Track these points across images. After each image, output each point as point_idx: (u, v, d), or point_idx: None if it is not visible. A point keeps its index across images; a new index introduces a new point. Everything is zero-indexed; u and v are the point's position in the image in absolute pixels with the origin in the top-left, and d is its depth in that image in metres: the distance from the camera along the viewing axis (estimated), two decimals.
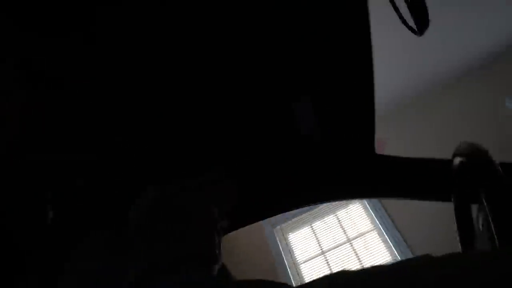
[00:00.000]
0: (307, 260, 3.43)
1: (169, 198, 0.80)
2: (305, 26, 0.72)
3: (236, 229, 1.29)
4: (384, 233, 3.21)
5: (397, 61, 3.02)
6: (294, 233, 3.66)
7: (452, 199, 0.82)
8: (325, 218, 3.59)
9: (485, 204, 0.55)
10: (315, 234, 3.56)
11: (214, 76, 0.78)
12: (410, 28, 0.68)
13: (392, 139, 2.40)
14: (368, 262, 3.17)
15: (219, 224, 0.81)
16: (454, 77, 3.64)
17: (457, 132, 3.28)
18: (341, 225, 3.50)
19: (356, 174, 1.14)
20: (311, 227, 3.62)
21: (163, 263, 0.67)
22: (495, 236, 0.49)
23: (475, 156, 0.59)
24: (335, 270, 3.24)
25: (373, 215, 3.34)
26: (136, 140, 0.87)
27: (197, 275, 0.61)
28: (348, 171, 1.15)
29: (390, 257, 3.12)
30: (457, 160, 0.69)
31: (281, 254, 3.47)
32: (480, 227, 0.65)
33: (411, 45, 2.78)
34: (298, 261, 3.46)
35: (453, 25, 2.97)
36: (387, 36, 2.32)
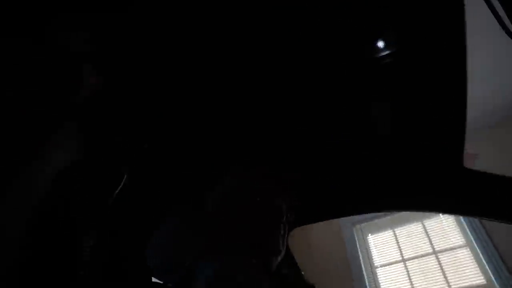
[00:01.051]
0: (385, 265, 3.28)
1: (244, 188, 0.87)
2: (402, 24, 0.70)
3: (309, 223, 1.32)
4: (479, 251, 2.88)
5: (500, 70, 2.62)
6: (374, 235, 3.53)
7: None
8: (411, 225, 3.37)
9: None
10: (397, 240, 3.38)
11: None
12: (507, 32, 0.62)
13: (483, 154, 2.11)
14: (454, 279, 2.90)
15: (286, 217, 0.85)
16: None
17: None
18: (427, 234, 3.24)
19: (439, 186, 1.07)
20: (393, 231, 3.44)
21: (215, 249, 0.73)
22: None
23: None
24: (415, 280, 3.04)
25: (467, 229, 3.02)
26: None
27: (233, 265, 0.64)
28: (431, 181, 1.08)
29: (484, 279, 2.80)
30: None
31: (358, 254, 3.39)
32: None
33: None
34: (375, 264, 3.33)
35: None
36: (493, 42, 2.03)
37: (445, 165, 1.06)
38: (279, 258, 0.81)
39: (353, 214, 1.28)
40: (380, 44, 0.73)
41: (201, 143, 0.96)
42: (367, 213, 1.31)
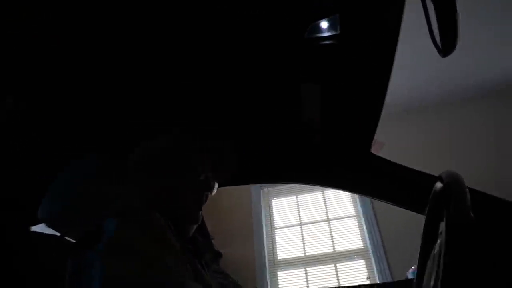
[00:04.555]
0: (284, 227, 3.57)
1: (173, 152, 0.83)
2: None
3: (223, 186, 1.34)
4: (363, 221, 3.31)
5: (418, 64, 2.92)
6: (279, 199, 3.77)
7: (425, 218, 0.85)
8: (312, 194, 3.67)
9: (443, 233, 0.58)
10: (298, 205, 3.67)
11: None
12: (436, 46, 0.67)
13: (391, 142, 2.41)
14: (339, 243, 3.30)
15: (209, 186, 0.85)
16: (468, 96, 3.57)
17: (455, 150, 3.29)
18: (325, 203, 3.59)
19: (343, 167, 1.17)
20: (297, 197, 3.71)
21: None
22: (440, 266, 0.52)
23: (451, 186, 0.61)
24: (307, 242, 3.39)
25: (358, 202, 3.42)
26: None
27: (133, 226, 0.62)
28: (337, 162, 1.17)
29: (362, 245, 3.24)
30: (438, 185, 0.71)
31: (261, 215, 3.61)
32: (435, 251, 0.68)
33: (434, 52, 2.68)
34: (275, 226, 3.60)
35: (480, 44, 2.84)
36: (415, 36, 2.21)
37: (352, 149, 1.15)
38: (195, 227, 0.81)
39: (267, 182, 1.34)
40: (321, 25, 0.72)
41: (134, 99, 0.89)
42: (278, 183, 1.38)
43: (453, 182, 0.61)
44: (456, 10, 0.57)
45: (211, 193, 0.87)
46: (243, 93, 0.93)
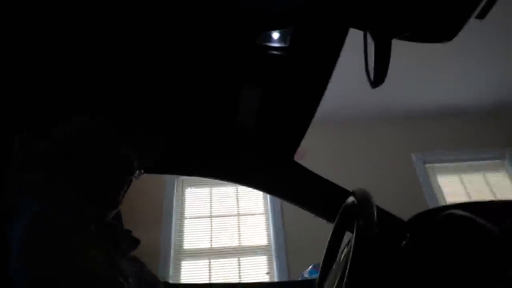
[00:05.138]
0: (194, 218, 3.57)
1: (89, 131, 0.78)
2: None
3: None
4: (270, 219, 3.49)
5: (352, 77, 3.20)
6: (192, 189, 3.75)
7: (333, 226, 0.95)
8: (226, 188, 3.73)
9: (351, 244, 0.66)
10: (211, 198, 3.70)
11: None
12: (368, 77, 0.75)
13: (314, 149, 2.61)
14: (245, 239, 3.43)
15: (132, 173, 0.82)
16: (385, 115, 4.05)
17: (370, 167, 3.71)
18: (237, 198, 3.69)
19: (264, 168, 1.23)
20: (210, 189, 3.74)
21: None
22: (346, 273, 0.60)
23: (362, 204, 0.70)
24: (214, 235, 3.44)
25: (268, 200, 3.59)
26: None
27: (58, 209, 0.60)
28: (260, 162, 1.23)
29: (266, 241, 3.42)
30: (350, 200, 0.80)
31: (173, 203, 3.55)
32: (341, 258, 0.77)
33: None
34: (186, 215, 3.57)
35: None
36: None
37: (277, 153, 1.22)
38: (114, 212, 0.78)
39: (187, 175, 1.33)
40: (273, 35, 0.76)
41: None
42: (197, 176, 1.38)
43: (364, 200, 0.70)
44: (390, 53, 0.65)
45: (134, 177, 0.85)
46: (183, 83, 0.92)
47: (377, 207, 1.07)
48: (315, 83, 0.89)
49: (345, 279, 0.60)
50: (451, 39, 0.71)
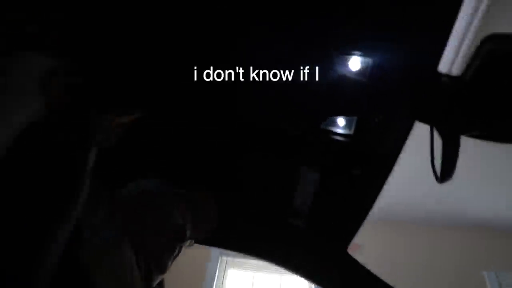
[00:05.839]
0: None
1: (156, 199, 0.84)
2: None
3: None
4: None
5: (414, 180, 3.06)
6: (235, 271, 3.61)
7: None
8: (271, 274, 3.54)
9: None
10: (253, 283, 3.51)
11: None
12: (434, 172, 0.73)
13: (368, 247, 2.45)
14: None
15: (185, 241, 0.84)
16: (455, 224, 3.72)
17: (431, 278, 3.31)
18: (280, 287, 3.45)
19: (315, 258, 1.17)
20: (253, 274, 3.56)
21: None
22: None
23: None
24: None
25: None
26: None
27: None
28: (313, 250, 1.17)
29: None
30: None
31: (214, 283, 3.41)
32: None
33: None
34: None
35: None
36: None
37: (330, 243, 1.16)
38: (160, 277, 0.79)
39: (234, 250, 1.31)
40: (338, 121, 0.79)
41: None
42: (244, 253, 1.34)
43: None
44: (458, 149, 0.64)
45: (184, 245, 0.86)
46: (244, 160, 0.97)
47: None
48: (376, 176, 0.88)
49: None
50: None
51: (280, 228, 1.16)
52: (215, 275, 3.47)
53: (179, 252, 0.84)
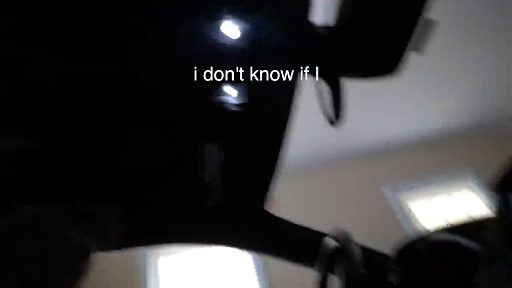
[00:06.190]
0: None
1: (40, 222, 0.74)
2: None
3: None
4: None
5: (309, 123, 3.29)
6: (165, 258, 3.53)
7: (318, 272, 0.90)
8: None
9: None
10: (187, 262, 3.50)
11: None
12: (326, 118, 0.77)
13: (285, 197, 2.61)
14: None
15: (90, 258, 0.77)
16: (350, 155, 4.17)
17: (344, 208, 3.73)
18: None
19: (236, 225, 1.18)
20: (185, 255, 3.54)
21: None
22: None
23: (345, 246, 0.67)
24: None
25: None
26: None
27: None
28: (231, 220, 1.18)
29: None
30: (332, 244, 0.78)
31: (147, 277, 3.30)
32: None
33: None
34: None
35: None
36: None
37: (247, 207, 1.18)
38: None
39: (155, 244, 1.25)
40: (229, 91, 0.76)
41: None
42: (167, 244, 1.30)
43: (346, 241, 0.67)
44: (342, 92, 0.68)
45: (89, 261, 0.79)
46: (136, 152, 0.89)
47: (358, 245, 1.04)
48: (276, 135, 0.89)
49: None
50: (393, 74, 0.75)
51: (197, 211, 1.13)
52: (146, 270, 3.35)
53: (85, 269, 0.76)
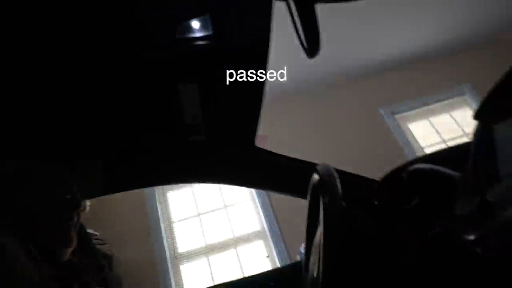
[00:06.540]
0: (182, 220, 3.51)
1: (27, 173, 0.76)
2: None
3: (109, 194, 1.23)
4: (258, 205, 3.48)
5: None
6: (174, 192, 3.68)
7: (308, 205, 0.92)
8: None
9: (321, 221, 0.64)
10: (194, 196, 3.65)
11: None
12: (304, 48, 0.71)
13: (281, 121, 2.58)
14: (238, 228, 3.41)
15: (78, 205, 0.79)
16: (343, 78, 4.04)
17: (342, 132, 3.71)
18: (221, 190, 3.64)
19: (230, 162, 1.19)
20: (192, 189, 3.68)
21: None
22: (321, 255, 0.57)
23: (325, 180, 0.67)
24: (206, 231, 3.41)
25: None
26: None
27: None
28: (223, 158, 1.18)
29: (259, 227, 3.42)
30: (315, 177, 0.78)
31: (157, 211, 3.47)
32: (317, 238, 0.75)
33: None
34: (173, 219, 3.51)
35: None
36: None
37: (238, 144, 1.17)
38: (69, 249, 0.75)
39: (155, 185, 1.29)
40: (193, 26, 0.70)
41: None
42: (166, 185, 1.34)
43: (326, 176, 0.67)
44: (316, 19, 0.61)
45: (81, 210, 0.82)
46: (115, 101, 0.86)
47: (346, 173, 1.05)
48: (254, 64, 0.84)
49: (320, 260, 0.58)
50: None
51: (185, 150, 1.13)
52: (156, 202, 3.52)
53: (79, 218, 0.79)
